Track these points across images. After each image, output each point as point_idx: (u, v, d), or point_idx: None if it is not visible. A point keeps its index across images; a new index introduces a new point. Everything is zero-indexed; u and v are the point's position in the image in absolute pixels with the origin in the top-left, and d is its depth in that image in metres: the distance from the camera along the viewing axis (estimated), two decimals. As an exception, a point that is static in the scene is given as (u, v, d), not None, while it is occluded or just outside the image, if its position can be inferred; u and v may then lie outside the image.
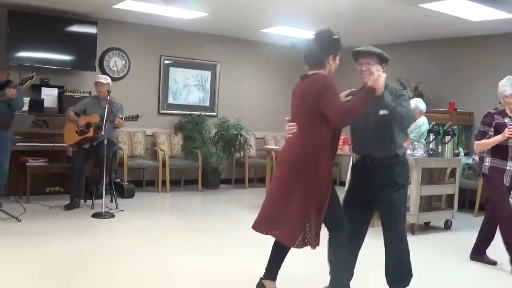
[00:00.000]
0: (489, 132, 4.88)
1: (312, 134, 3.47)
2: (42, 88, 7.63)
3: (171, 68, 9.18)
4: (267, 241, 4.98)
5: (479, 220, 5.49)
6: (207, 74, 9.56)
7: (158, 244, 5.40)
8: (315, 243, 3.47)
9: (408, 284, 3.79)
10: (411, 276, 3.77)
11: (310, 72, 3.53)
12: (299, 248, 3.48)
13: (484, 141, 4.90)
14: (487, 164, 4.91)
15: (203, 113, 9.31)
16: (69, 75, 8.02)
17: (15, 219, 5.71)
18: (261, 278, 3.70)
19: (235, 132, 9.12)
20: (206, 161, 8.82)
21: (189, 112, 9.23)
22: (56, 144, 7.16)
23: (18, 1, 7.18)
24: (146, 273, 4.31)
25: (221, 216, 7.01)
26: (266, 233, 3.56)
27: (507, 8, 6.37)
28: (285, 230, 3.48)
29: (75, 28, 7.94)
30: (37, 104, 7.43)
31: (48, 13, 7.61)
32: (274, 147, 9.18)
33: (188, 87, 9.40)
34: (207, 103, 9.61)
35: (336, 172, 10.11)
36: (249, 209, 7.48)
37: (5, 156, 6.25)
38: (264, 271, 3.71)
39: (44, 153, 7.19)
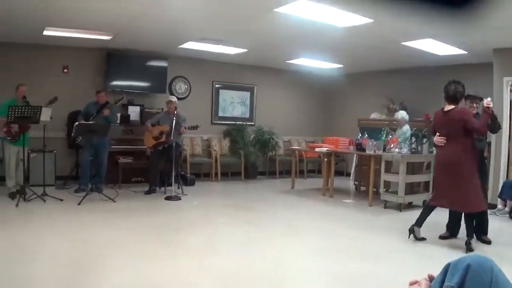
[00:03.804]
0: None
1: (464, 144, 4.10)
2: (129, 106, 7.79)
3: (220, 90, 9.18)
4: (294, 215, 5.05)
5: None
6: (247, 94, 9.55)
7: (213, 219, 5.45)
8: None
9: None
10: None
11: (450, 107, 4.17)
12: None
13: None
14: None
15: (244, 123, 9.33)
16: (147, 97, 8.13)
17: (111, 200, 5.85)
18: (412, 225, 4.39)
19: (268, 137, 9.14)
20: (247, 158, 8.86)
21: (234, 122, 9.24)
22: (139, 147, 7.29)
23: (114, 46, 7.35)
24: (204, 238, 4.37)
25: (259, 198, 6.96)
26: (442, 206, 4.27)
27: (462, 46, 6.35)
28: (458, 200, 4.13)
29: (152, 63, 8.04)
30: (125, 118, 7.59)
31: (133, 53, 7.76)
32: (297, 147, 9.10)
33: (233, 104, 9.39)
34: (247, 115, 9.57)
35: (344, 166, 10.04)
36: (280, 193, 7.54)
37: (104, 155, 6.51)
38: (416, 221, 4.37)
39: (130, 153, 7.34)
